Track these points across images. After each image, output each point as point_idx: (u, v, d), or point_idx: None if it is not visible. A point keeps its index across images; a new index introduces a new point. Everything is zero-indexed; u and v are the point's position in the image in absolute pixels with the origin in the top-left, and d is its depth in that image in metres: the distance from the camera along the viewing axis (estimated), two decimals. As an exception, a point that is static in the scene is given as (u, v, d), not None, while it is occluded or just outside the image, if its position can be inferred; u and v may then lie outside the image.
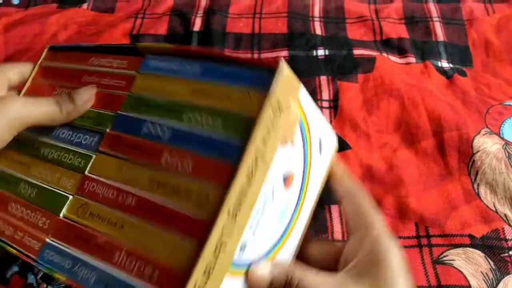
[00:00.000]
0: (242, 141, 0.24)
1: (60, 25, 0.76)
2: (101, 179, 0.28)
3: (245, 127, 0.25)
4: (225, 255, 0.24)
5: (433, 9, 0.79)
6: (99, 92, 0.33)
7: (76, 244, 0.27)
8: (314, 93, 0.66)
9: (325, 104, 0.65)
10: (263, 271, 0.28)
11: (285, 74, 0.26)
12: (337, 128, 0.62)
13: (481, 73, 0.70)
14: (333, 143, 0.35)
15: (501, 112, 0.64)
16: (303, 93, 0.28)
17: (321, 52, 0.72)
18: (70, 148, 0.32)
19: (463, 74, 0.70)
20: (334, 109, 0.64)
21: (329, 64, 0.70)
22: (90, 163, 0.30)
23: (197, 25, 0.76)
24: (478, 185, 0.56)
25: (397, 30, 0.76)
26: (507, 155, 0.58)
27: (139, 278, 0.24)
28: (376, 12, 0.79)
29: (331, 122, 0.63)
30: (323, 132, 0.33)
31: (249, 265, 0.27)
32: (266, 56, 0.72)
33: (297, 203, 0.31)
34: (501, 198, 0.54)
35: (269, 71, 0.26)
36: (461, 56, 0.73)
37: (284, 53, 0.72)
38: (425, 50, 0.73)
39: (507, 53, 0.73)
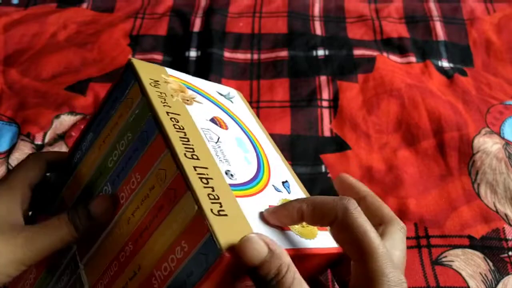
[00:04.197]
0: (151, 118, 0.29)
1: (60, 24, 0.76)
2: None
3: (145, 110, 0.30)
4: (215, 181, 0.27)
5: (433, 8, 0.79)
6: None
7: None
8: (314, 93, 0.66)
9: (325, 104, 0.65)
10: (260, 248, 0.25)
11: (138, 63, 0.32)
12: (337, 128, 0.62)
13: (481, 72, 0.70)
14: (234, 93, 0.41)
15: (501, 111, 0.64)
16: (174, 72, 0.35)
17: (321, 52, 0.72)
18: None
19: (464, 73, 0.69)
20: (334, 109, 0.64)
21: (329, 64, 0.70)
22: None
23: (197, 25, 0.76)
24: (478, 185, 0.56)
25: (397, 29, 0.76)
26: (507, 154, 0.58)
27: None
28: (377, 11, 0.79)
29: (330, 122, 0.63)
30: (219, 89, 0.39)
31: (254, 183, 0.30)
32: (266, 56, 0.72)
33: (246, 134, 0.36)
34: (501, 198, 0.54)
35: (127, 69, 0.32)
36: (462, 55, 0.73)
37: (284, 53, 0.72)
38: (425, 49, 0.73)
39: (508, 53, 0.73)
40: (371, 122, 0.63)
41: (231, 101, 0.39)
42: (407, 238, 0.51)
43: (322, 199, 0.28)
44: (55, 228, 0.30)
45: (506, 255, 0.50)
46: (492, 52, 0.73)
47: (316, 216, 0.28)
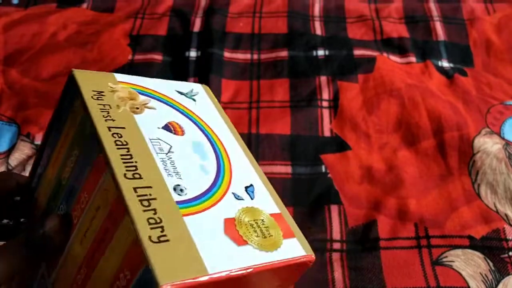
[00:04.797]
0: (93, 137, 0.28)
1: (59, 24, 0.76)
2: None
3: (87, 126, 0.29)
4: (159, 201, 0.26)
5: (433, 8, 0.79)
6: None
7: None
8: (314, 93, 0.66)
9: (325, 104, 0.65)
10: None
11: (80, 75, 0.31)
12: (337, 128, 0.62)
13: (482, 72, 0.70)
14: (199, 89, 0.38)
15: (501, 111, 0.64)
16: (126, 78, 0.34)
17: (321, 52, 0.72)
18: None
19: (464, 73, 0.69)
20: (334, 109, 0.64)
21: (329, 64, 0.70)
22: None
23: (197, 25, 0.76)
24: (478, 185, 0.56)
25: (397, 29, 0.76)
26: (507, 155, 0.58)
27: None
28: (377, 11, 0.79)
29: (331, 122, 0.63)
30: (180, 88, 0.37)
31: (209, 194, 0.29)
32: (266, 56, 0.72)
33: (210, 140, 0.33)
34: (501, 198, 0.54)
35: (70, 81, 0.31)
36: (462, 55, 0.73)
37: (284, 53, 0.72)
38: (425, 49, 0.73)
39: (508, 53, 0.72)
40: (371, 122, 0.63)
41: (193, 99, 0.37)
42: (407, 238, 0.52)
43: None
44: (12, 252, 0.29)
45: (506, 255, 0.50)
46: (492, 52, 0.73)
47: None
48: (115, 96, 0.31)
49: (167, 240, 0.24)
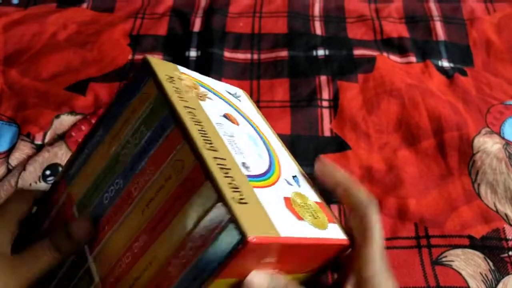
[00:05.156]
0: (167, 112, 0.30)
1: (59, 24, 0.76)
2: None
3: (161, 104, 0.31)
4: (233, 172, 0.28)
5: (433, 8, 0.79)
6: None
7: None
8: (314, 93, 0.66)
9: (325, 104, 0.65)
10: (261, 281, 0.28)
11: (153, 61, 0.33)
12: (337, 128, 0.62)
13: (482, 72, 0.70)
14: (241, 93, 0.43)
15: (501, 111, 0.64)
16: (185, 70, 0.37)
17: (321, 52, 0.72)
18: None
19: (464, 73, 0.69)
20: (334, 109, 0.64)
21: (329, 64, 0.70)
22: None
23: (197, 25, 0.76)
24: (478, 185, 0.56)
25: (397, 29, 0.76)
26: (507, 154, 0.58)
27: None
28: (377, 11, 0.79)
29: (331, 122, 0.63)
30: (227, 88, 0.40)
31: (268, 175, 0.32)
32: (266, 56, 0.72)
33: (256, 131, 0.37)
34: (501, 198, 0.54)
35: (142, 67, 0.33)
36: (462, 55, 0.73)
37: (284, 53, 0.72)
38: (425, 49, 0.73)
39: (508, 53, 0.73)
40: (371, 122, 0.63)
41: (238, 99, 0.40)
42: (407, 238, 0.52)
43: (360, 191, 0.35)
44: (39, 255, 0.31)
45: (506, 255, 0.50)
46: (492, 52, 0.73)
47: (348, 197, 0.35)
48: (182, 83, 0.34)
49: (246, 203, 0.26)
